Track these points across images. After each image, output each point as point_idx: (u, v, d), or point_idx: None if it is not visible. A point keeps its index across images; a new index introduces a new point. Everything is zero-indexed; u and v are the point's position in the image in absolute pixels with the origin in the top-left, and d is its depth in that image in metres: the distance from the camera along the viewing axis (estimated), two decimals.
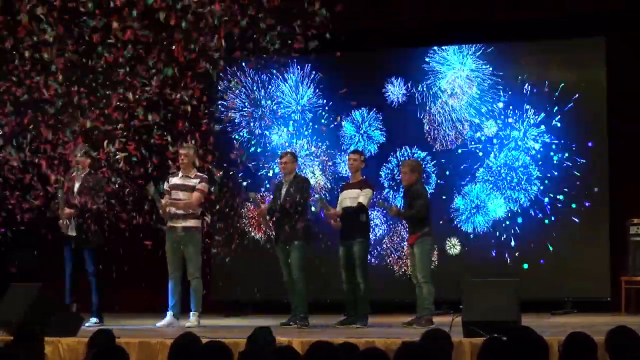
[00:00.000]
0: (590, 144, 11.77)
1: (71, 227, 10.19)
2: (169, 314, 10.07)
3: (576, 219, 11.76)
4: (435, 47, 12.40)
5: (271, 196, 10.88)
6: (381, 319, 10.32)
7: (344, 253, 9.96)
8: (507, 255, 11.92)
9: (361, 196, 9.88)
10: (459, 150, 12.24)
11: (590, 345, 4.89)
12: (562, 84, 11.91)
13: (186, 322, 9.90)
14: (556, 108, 11.89)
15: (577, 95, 11.85)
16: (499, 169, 12.10)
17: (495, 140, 12.13)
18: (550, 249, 11.80)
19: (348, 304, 9.97)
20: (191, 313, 10.06)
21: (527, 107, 11.99)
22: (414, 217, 9.76)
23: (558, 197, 11.83)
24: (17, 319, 8.40)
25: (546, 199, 11.88)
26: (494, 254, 11.97)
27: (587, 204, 11.72)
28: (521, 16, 11.78)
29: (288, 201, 9.95)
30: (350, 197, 9.96)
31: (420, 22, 11.93)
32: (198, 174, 10.21)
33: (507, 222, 11.99)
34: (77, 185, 10.22)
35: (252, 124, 12.93)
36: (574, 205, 11.77)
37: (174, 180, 10.20)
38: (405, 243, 11.42)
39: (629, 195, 11.67)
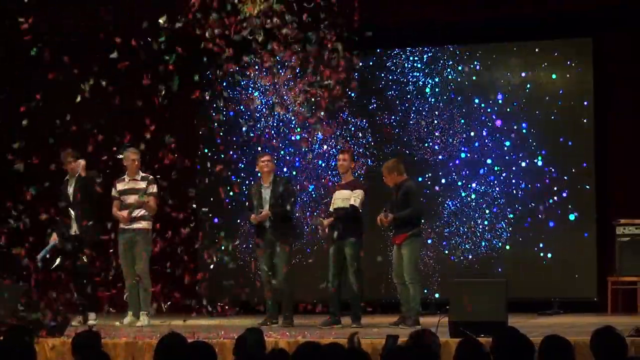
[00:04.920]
0: (577, 145, 11.78)
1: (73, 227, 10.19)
2: (129, 314, 10.15)
3: (563, 220, 11.77)
4: (421, 48, 12.36)
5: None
6: (368, 319, 10.30)
7: (335, 252, 9.93)
8: (494, 255, 11.93)
9: (353, 197, 9.83)
10: (449, 150, 12.21)
11: (565, 347, 4.91)
12: (549, 85, 11.92)
13: (137, 322, 9.94)
14: (544, 109, 11.90)
15: (564, 96, 11.87)
16: (486, 169, 12.10)
17: (483, 140, 12.12)
18: (538, 249, 11.81)
19: (331, 305, 9.93)
20: (141, 313, 10.05)
21: (516, 107, 11.99)
22: (411, 216, 9.64)
23: (545, 197, 11.83)
24: (6, 318, 8.41)
25: (533, 200, 11.88)
26: (481, 254, 11.98)
27: (574, 205, 11.74)
28: (508, 16, 11.79)
29: (277, 202, 9.95)
30: (341, 198, 9.93)
31: (405, 23, 11.91)
32: (143, 175, 10.19)
33: (495, 223, 12.00)
34: (70, 189, 10.18)
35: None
36: (561, 206, 11.78)
37: (122, 186, 10.21)
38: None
39: (616, 195, 11.70)
